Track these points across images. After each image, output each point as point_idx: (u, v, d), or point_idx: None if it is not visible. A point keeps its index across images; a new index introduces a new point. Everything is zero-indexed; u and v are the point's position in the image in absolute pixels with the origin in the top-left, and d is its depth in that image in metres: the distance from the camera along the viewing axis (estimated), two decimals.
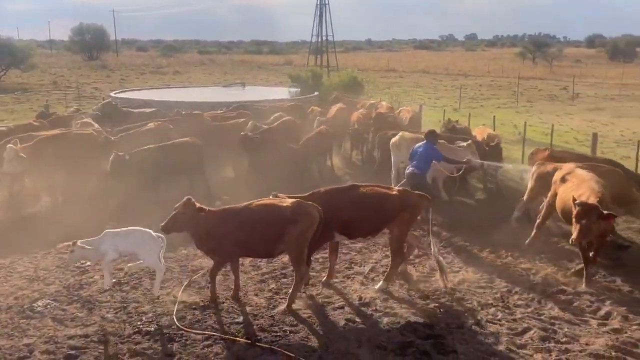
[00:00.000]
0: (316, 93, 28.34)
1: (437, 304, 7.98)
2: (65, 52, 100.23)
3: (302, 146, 14.38)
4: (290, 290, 7.92)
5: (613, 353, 6.72)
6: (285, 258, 8.75)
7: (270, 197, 8.21)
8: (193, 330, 7.18)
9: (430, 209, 8.88)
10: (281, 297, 8.17)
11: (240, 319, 7.54)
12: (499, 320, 7.55)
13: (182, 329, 7.20)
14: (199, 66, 76.23)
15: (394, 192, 8.53)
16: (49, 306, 7.84)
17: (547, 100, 36.98)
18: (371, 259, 9.65)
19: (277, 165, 13.37)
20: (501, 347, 6.86)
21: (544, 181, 10.31)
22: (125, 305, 7.87)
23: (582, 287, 8.47)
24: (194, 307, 7.83)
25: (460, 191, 13.65)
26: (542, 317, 7.62)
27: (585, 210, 7.98)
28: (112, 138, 13.19)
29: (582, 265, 8.68)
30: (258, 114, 18.11)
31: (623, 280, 8.77)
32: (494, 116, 21.11)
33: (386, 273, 8.54)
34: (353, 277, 8.88)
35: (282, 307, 7.79)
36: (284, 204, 7.79)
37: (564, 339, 7.05)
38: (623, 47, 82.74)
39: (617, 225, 10.15)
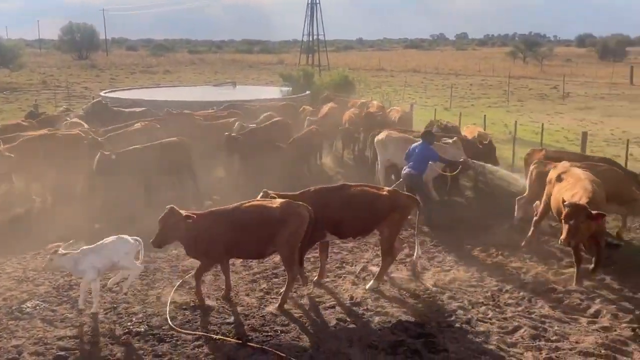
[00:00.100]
0: (308, 92, 28.32)
1: (428, 303, 7.99)
2: (54, 51, 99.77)
3: (291, 145, 14.33)
4: (283, 290, 7.91)
5: (603, 351, 6.75)
6: (277, 258, 8.74)
7: (261, 195, 8.19)
8: (186, 331, 7.14)
9: (417, 211, 8.90)
10: (272, 297, 8.15)
11: (232, 319, 7.52)
12: (490, 319, 7.57)
13: (179, 331, 7.16)
14: (190, 65, 76.00)
15: (384, 193, 8.54)
16: (38, 307, 7.78)
17: (538, 99, 37.13)
18: (362, 259, 9.65)
19: (265, 165, 13.37)
20: (492, 346, 6.88)
21: (543, 180, 10.30)
22: (115, 306, 7.82)
23: (572, 285, 8.50)
24: (184, 307, 7.80)
25: (451, 190, 13.66)
26: (533, 316, 7.65)
27: (574, 210, 7.98)
28: (99, 139, 13.05)
29: (594, 265, 8.68)
30: (249, 114, 18.08)
31: (612, 278, 8.80)
32: (485, 115, 21.16)
33: (377, 273, 8.54)
34: (344, 277, 8.88)
35: (274, 306, 7.78)
36: (274, 205, 7.75)
37: (554, 337, 7.08)
38: (613, 46, 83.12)
39: (607, 224, 10.18)
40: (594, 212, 7.90)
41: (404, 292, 8.33)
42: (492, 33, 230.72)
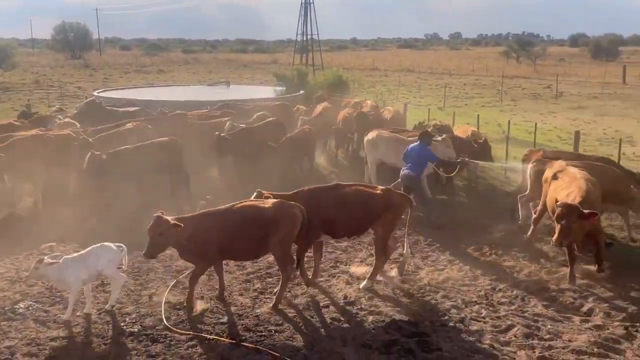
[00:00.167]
0: (302, 92, 28.30)
1: (421, 302, 8.01)
2: (47, 50, 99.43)
3: (282, 145, 14.27)
4: (277, 290, 7.91)
5: (595, 349, 6.79)
6: (271, 258, 8.73)
7: (255, 195, 8.18)
8: (181, 331, 7.13)
9: (410, 211, 8.92)
10: (266, 296, 8.15)
11: (225, 319, 7.51)
12: (483, 317, 7.59)
13: (174, 331, 7.14)
14: (184, 65, 75.89)
15: (378, 192, 8.54)
16: (31, 308, 7.74)
17: (531, 99, 37.26)
18: (356, 258, 9.66)
19: (255, 164, 13.34)
20: (485, 345, 6.90)
21: (542, 179, 10.29)
22: (107, 305, 7.78)
23: (566, 284, 8.54)
24: (177, 307, 7.79)
25: (446, 190, 13.69)
26: (526, 314, 7.68)
27: (566, 210, 7.97)
28: (90, 139, 12.94)
29: (598, 265, 8.72)
30: (243, 113, 18.05)
31: (605, 277, 8.83)
32: (478, 115, 21.24)
33: (370, 272, 8.54)
34: (338, 276, 8.88)
35: (268, 306, 7.77)
36: (266, 205, 7.71)
37: (547, 336, 7.11)
38: (606, 46, 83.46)
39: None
40: (586, 211, 7.89)
41: (398, 292, 8.34)
42: (485, 33, 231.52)
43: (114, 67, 68.32)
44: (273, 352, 6.64)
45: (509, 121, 18.76)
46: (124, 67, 67.26)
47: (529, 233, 10.20)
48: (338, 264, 9.40)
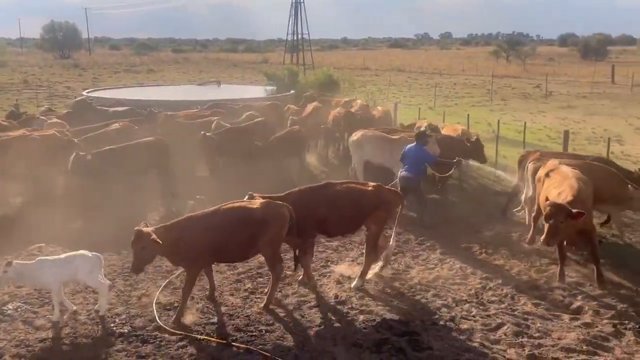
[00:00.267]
0: (292, 91, 28.29)
1: (412, 301, 8.03)
2: (36, 50, 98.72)
3: (269, 145, 14.19)
4: (268, 290, 7.90)
5: (584, 347, 6.83)
6: (262, 258, 8.70)
7: (246, 198, 8.14)
8: (174, 331, 7.10)
9: (401, 207, 8.93)
10: (257, 296, 8.14)
11: (216, 319, 7.49)
12: (474, 316, 7.62)
13: (170, 332, 7.11)
14: (174, 65, 75.63)
15: (369, 189, 8.56)
16: (19, 309, 7.68)
17: (521, 98, 37.43)
18: (347, 257, 9.66)
19: (242, 164, 13.30)
20: (475, 343, 6.93)
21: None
22: (97, 306, 7.74)
23: (555, 282, 8.58)
24: (168, 307, 7.76)
25: (442, 189, 13.74)
26: (516, 313, 7.71)
27: (554, 210, 7.94)
28: (76, 140, 12.83)
29: (595, 269, 8.66)
30: (233, 113, 18.02)
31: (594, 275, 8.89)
32: (468, 114, 21.29)
33: (361, 271, 8.55)
34: (329, 276, 8.88)
35: (259, 306, 7.76)
36: (254, 206, 7.65)
37: (537, 334, 7.15)
38: (594, 45, 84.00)
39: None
40: (574, 210, 7.86)
41: (389, 291, 8.36)
42: (475, 33, 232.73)
43: (103, 66, 67.95)
44: (264, 352, 6.64)
45: (499, 120, 18.84)
46: (113, 67, 66.90)
47: (531, 232, 10.19)
48: (329, 264, 9.40)
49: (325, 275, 8.92)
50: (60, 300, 7.50)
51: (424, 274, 8.96)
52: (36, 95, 34.68)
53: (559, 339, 7.04)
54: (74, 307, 7.61)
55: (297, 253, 8.30)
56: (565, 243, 8.76)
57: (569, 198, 8.26)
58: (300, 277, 8.61)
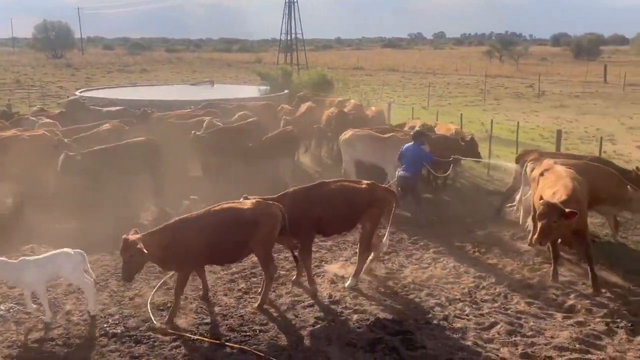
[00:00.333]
0: (286, 91, 28.28)
1: (406, 300, 8.04)
2: (28, 50, 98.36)
3: (261, 145, 14.15)
4: (262, 291, 7.89)
5: (577, 345, 6.86)
6: (255, 257, 8.70)
7: (242, 199, 8.12)
8: (170, 331, 7.08)
9: (395, 205, 8.95)
10: (251, 296, 8.13)
11: (210, 319, 7.48)
12: (467, 315, 7.64)
13: (165, 332, 7.10)
14: (167, 64, 75.48)
15: (363, 186, 8.57)
16: (12, 310, 7.65)
17: (514, 98, 37.55)
18: (341, 257, 9.66)
19: (233, 164, 13.25)
20: (469, 342, 6.94)
21: None
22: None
23: (548, 281, 8.61)
24: (161, 308, 7.74)
25: (428, 188, 13.75)
26: (509, 312, 7.73)
27: (547, 209, 7.93)
28: (66, 140, 12.75)
29: (590, 272, 8.64)
30: (227, 113, 17.97)
31: (587, 274, 8.92)
32: (462, 114, 21.35)
33: (354, 270, 8.55)
34: (323, 275, 8.88)
35: (253, 306, 7.75)
36: (245, 206, 7.60)
37: (530, 333, 7.17)
38: (587, 45, 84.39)
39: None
40: (567, 210, 7.85)
41: (382, 290, 8.37)
42: (469, 32, 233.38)
43: (96, 66, 67.72)
44: (258, 352, 6.63)
45: (492, 120, 18.91)
46: (106, 67, 66.70)
47: (532, 232, 10.18)
48: (322, 263, 9.40)
49: (319, 275, 8.91)
50: (37, 300, 7.42)
51: (418, 273, 8.98)
52: (28, 95, 34.52)
53: (552, 337, 7.07)
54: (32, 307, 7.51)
55: (295, 254, 8.26)
56: (560, 242, 8.78)
57: (563, 197, 8.24)
58: (295, 277, 8.61)
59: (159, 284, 8.36)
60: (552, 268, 8.77)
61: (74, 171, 11.35)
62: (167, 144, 13.22)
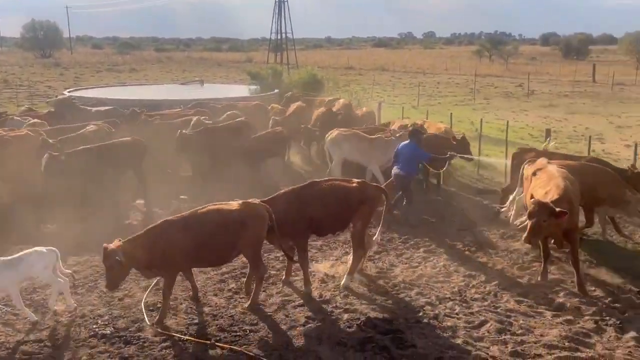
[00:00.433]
0: (276, 90, 28.24)
1: (396, 299, 8.05)
2: (16, 49, 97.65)
3: (248, 145, 14.09)
4: (252, 291, 7.86)
5: (566, 343, 6.90)
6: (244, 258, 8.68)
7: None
8: (164, 332, 7.05)
9: (386, 202, 8.98)
10: (241, 296, 8.11)
11: (200, 319, 7.45)
12: (457, 314, 7.66)
13: (160, 333, 7.07)
14: (157, 64, 75.16)
15: (354, 185, 8.57)
16: (0, 311, 7.59)
17: (503, 97, 37.71)
18: (332, 257, 9.66)
19: (219, 163, 13.22)
20: (459, 341, 6.96)
21: None
22: (80, 308, 7.67)
23: (538, 279, 8.66)
24: (151, 308, 7.70)
25: (437, 187, 13.80)
26: (499, 310, 7.76)
27: (537, 208, 7.92)
28: (51, 140, 12.63)
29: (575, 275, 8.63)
30: (216, 112, 17.91)
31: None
32: (451, 113, 21.37)
33: (349, 269, 8.54)
34: (313, 275, 8.87)
35: (243, 306, 7.73)
36: (231, 207, 7.55)
37: (520, 331, 7.20)
38: (576, 45, 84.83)
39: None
40: (557, 209, 7.84)
41: (373, 289, 8.37)
42: (459, 32, 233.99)
43: (85, 65, 67.32)
44: (248, 352, 6.62)
45: (482, 119, 18.92)
46: (95, 66, 66.32)
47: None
48: (313, 263, 9.39)
49: (310, 275, 8.89)
50: (21, 301, 7.31)
51: (408, 273, 9.00)
52: (16, 95, 34.24)
53: (541, 335, 7.10)
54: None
55: (288, 253, 8.25)
56: (552, 242, 8.81)
57: (555, 197, 8.24)
58: (285, 276, 8.60)
59: (152, 285, 8.31)
60: (542, 267, 8.80)
61: (58, 172, 11.23)
62: (155, 143, 13.17)
